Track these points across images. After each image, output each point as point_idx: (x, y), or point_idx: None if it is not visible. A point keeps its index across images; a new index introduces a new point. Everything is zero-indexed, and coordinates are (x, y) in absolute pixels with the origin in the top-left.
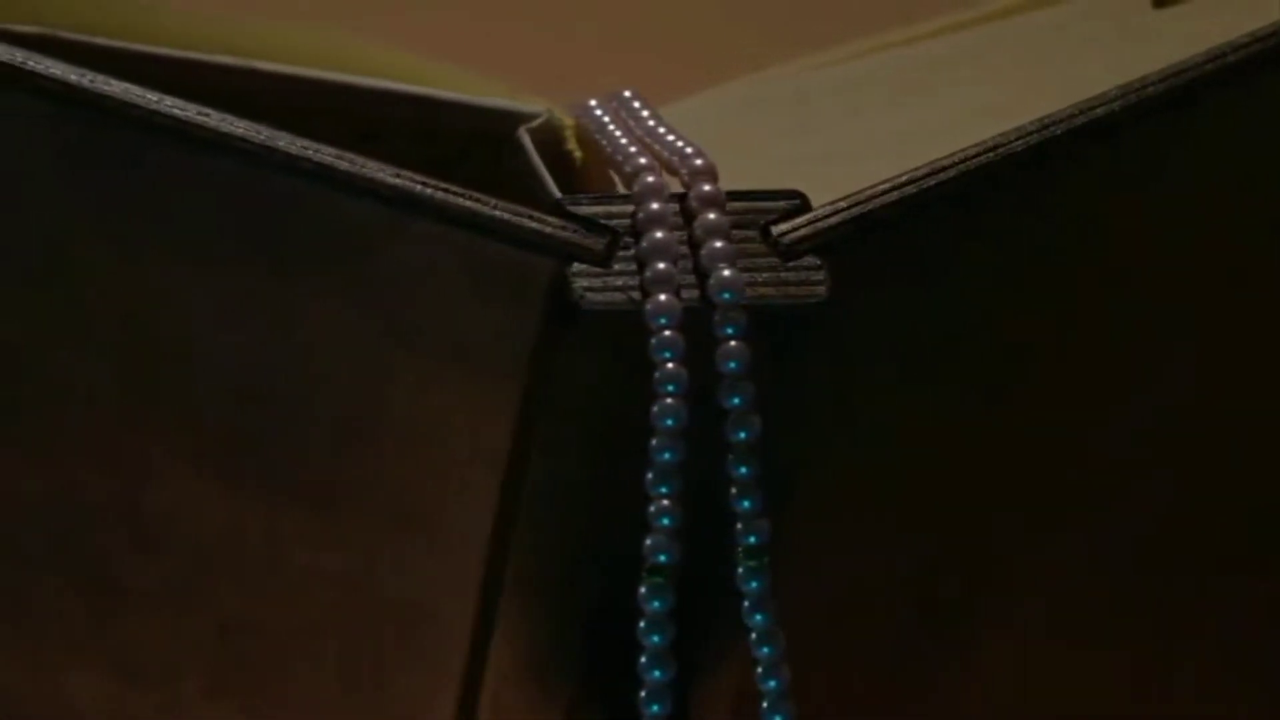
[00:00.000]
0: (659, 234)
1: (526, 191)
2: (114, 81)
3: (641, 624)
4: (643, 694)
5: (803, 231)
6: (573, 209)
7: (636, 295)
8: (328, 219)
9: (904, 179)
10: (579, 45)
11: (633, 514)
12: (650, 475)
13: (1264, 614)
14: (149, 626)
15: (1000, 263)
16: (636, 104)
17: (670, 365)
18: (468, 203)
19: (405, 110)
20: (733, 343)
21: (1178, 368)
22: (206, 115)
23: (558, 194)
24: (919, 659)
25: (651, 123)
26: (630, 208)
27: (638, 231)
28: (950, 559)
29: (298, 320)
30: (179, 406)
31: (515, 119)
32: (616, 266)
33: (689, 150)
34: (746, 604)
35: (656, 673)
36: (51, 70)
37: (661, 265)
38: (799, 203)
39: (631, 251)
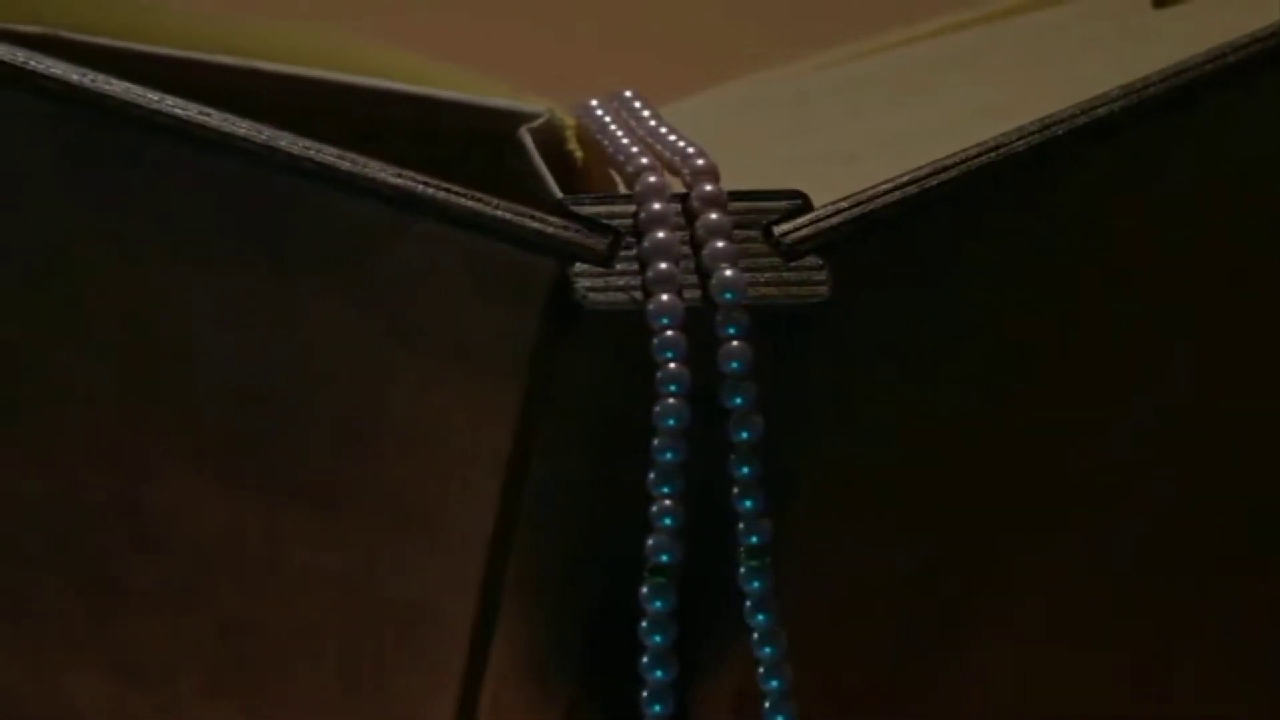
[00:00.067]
0: (661, 234)
1: (527, 191)
2: (115, 81)
3: (644, 624)
4: (645, 694)
5: (805, 231)
6: (575, 209)
7: (639, 295)
8: (329, 219)
9: (906, 179)
10: (579, 45)
11: (633, 514)
12: (652, 475)
13: (1264, 614)
14: (149, 626)
15: (1001, 263)
16: (637, 104)
17: (672, 365)
18: (470, 203)
19: (406, 110)
20: (735, 343)
21: (1178, 367)
22: (208, 115)
23: (559, 194)
24: (919, 659)
25: (653, 123)
26: (632, 208)
27: (640, 231)
28: (950, 559)
29: (298, 320)
30: (179, 406)
31: (516, 119)
32: (619, 266)
33: (691, 150)
34: (749, 604)
35: (659, 673)
36: (53, 70)
37: (664, 265)
38: (801, 203)
39: (633, 251)
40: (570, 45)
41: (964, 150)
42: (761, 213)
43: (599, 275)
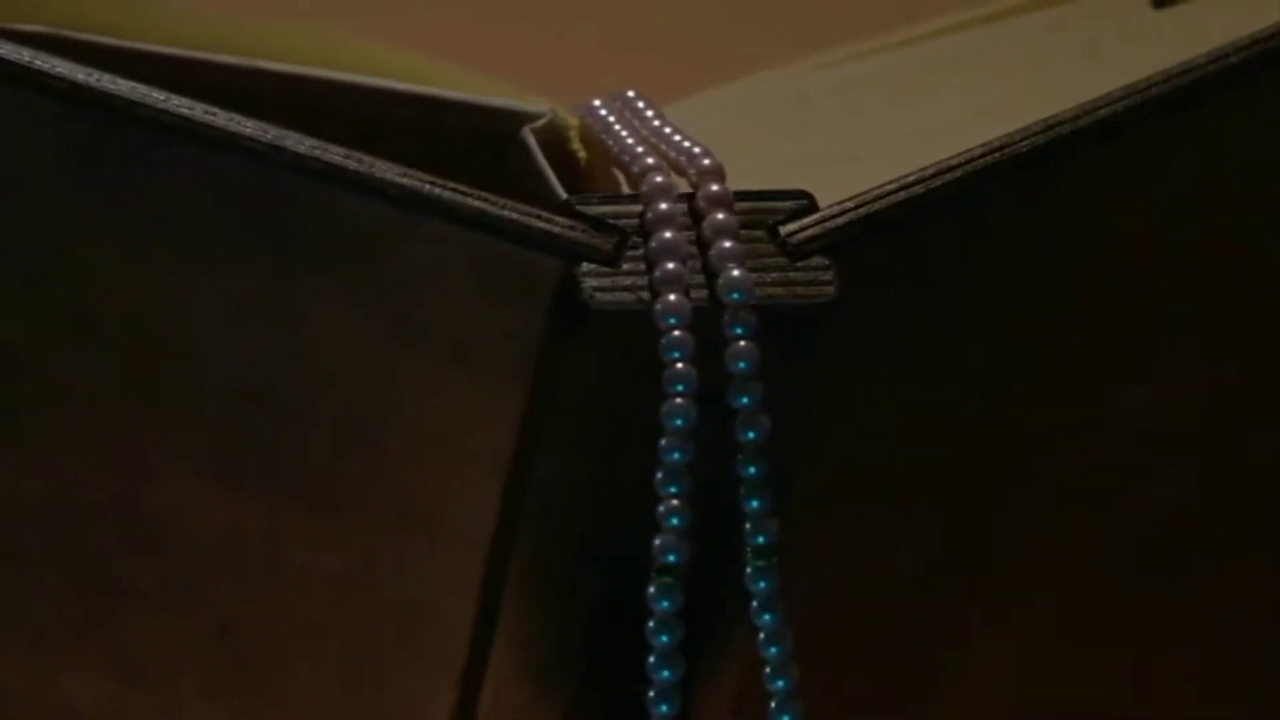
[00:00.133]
0: (668, 234)
1: (529, 191)
2: (121, 80)
3: (650, 624)
4: (651, 694)
5: (811, 231)
6: (581, 209)
7: (646, 295)
8: (334, 218)
9: (911, 179)
10: (579, 46)
11: (635, 514)
12: (660, 475)
13: (1264, 613)
14: (148, 627)
15: (1005, 262)
16: (640, 104)
17: (680, 365)
18: (476, 203)
19: (409, 110)
20: (742, 343)
21: (1180, 367)
22: (214, 114)
23: (563, 194)
24: (920, 658)
25: (656, 123)
26: (638, 207)
27: (646, 231)
28: (952, 558)
29: (302, 320)
30: (180, 406)
31: (519, 119)
32: (625, 266)
33: (696, 150)
34: (755, 604)
35: (665, 673)
36: (59, 69)
37: (671, 265)
38: (806, 203)
39: (640, 251)
40: (570, 45)
41: (968, 150)
42: (767, 213)
43: (606, 275)
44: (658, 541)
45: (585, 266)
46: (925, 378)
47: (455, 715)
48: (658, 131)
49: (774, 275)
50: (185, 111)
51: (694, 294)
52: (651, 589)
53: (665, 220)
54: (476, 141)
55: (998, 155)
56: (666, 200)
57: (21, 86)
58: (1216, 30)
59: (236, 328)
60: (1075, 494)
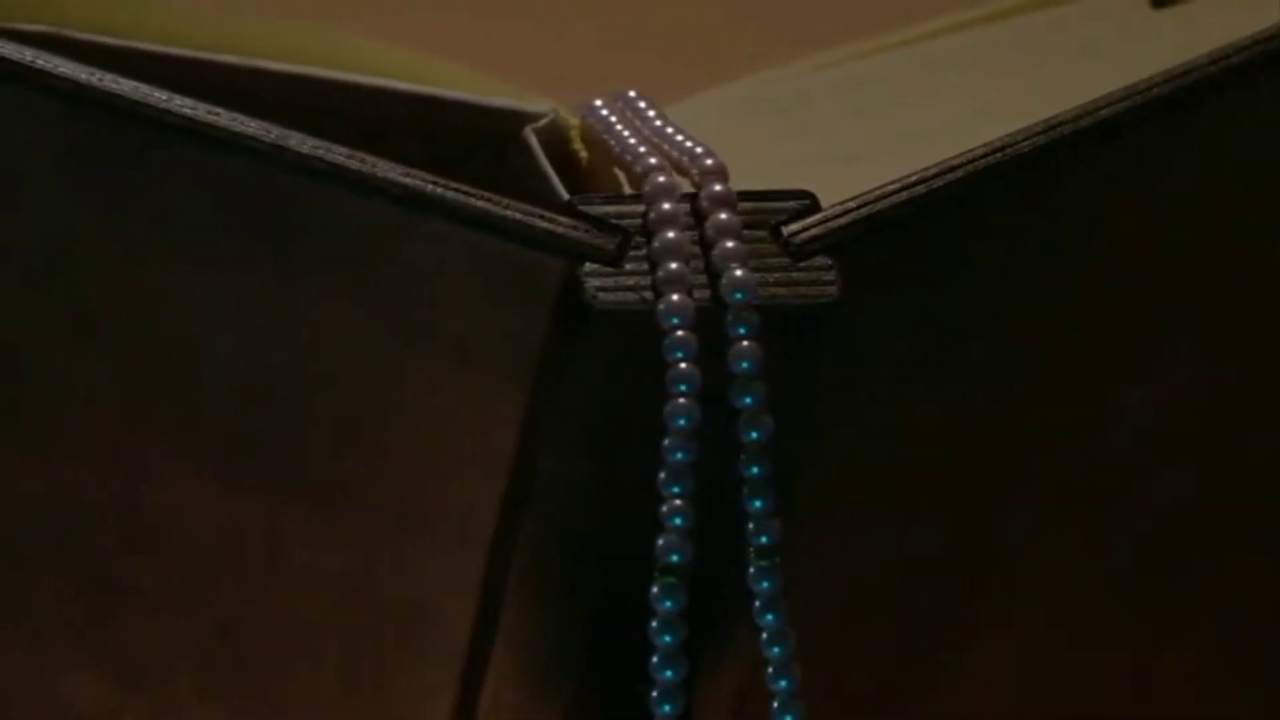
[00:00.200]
0: (671, 234)
1: (531, 191)
2: (123, 80)
3: (654, 624)
4: (654, 694)
5: (813, 231)
6: (584, 209)
7: (648, 295)
8: (336, 218)
9: (913, 179)
10: (579, 45)
11: (636, 514)
12: (663, 475)
13: (1264, 613)
14: (148, 627)
15: (1007, 262)
16: (642, 104)
17: (683, 365)
18: (479, 202)
19: (410, 109)
20: (745, 343)
21: (1181, 367)
22: (217, 114)
23: (565, 194)
24: (921, 658)
25: (659, 123)
26: (641, 207)
27: (649, 231)
28: (953, 558)
29: (303, 320)
30: (180, 406)
31: (521, 118)
32: (628, 266)
33: (699, 150)
34: (757, 604)
35: (669, 673)
36: (61, 69)
37: (674, 265)
38: (809, 203)
39: (643, 251)
40: (570, 45)
41: (970, 151)
42: (770, 213)
43: (609, 275)
44: (661, 541)
45: (588, 266)
46: (927, 377)
47: (455, 715)
48: (660, 131)
49: (777, 275)
50: (188, 112)
51: (697, 294)
52: (655, 589)
53: (668, 220)
54: (477, 141)
55: (999, 155)
56: (669, 200)
57: (24, 86)
58: (1216, 30)
59: (237, 328)
60: (1076, 494)
